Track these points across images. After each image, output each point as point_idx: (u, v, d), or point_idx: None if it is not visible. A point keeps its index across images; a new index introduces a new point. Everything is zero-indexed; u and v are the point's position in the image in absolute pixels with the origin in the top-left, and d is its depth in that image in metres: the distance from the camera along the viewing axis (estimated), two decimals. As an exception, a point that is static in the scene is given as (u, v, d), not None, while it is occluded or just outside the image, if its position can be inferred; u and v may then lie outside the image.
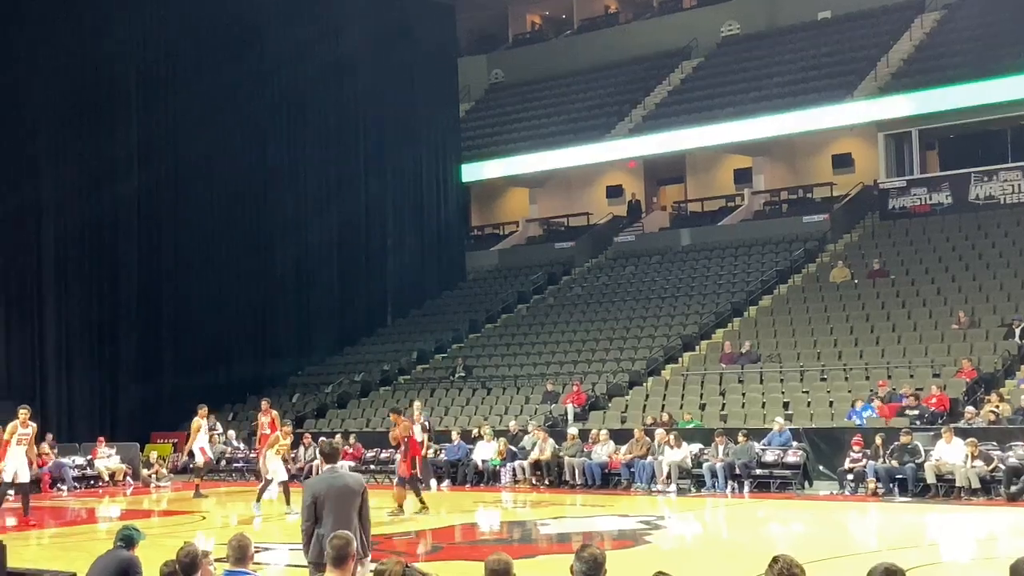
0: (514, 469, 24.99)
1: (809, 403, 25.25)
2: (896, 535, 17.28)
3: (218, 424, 30.70)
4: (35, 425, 20.68)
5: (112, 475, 27.70)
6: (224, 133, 34.53)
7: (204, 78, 33.89)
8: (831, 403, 24.89)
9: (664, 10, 47.26)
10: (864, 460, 21.29)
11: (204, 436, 24.62)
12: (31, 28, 30.89)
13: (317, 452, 25.84)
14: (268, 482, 21.23)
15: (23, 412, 20.24)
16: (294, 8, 36.18)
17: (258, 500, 20.98)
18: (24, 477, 20.26)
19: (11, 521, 20.31)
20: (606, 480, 23.83)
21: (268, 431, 24.93)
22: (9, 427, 20.34)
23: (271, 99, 35.99)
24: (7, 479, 20.17)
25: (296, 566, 12.94)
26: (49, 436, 28.16)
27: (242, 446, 29.08)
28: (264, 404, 25.45)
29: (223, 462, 28.95)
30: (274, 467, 21.27)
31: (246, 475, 27.86)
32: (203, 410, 24.72)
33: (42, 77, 31.07)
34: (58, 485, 26.65)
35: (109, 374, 32.46)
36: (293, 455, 27.25)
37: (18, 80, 30.41)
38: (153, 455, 29.21)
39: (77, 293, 32.00)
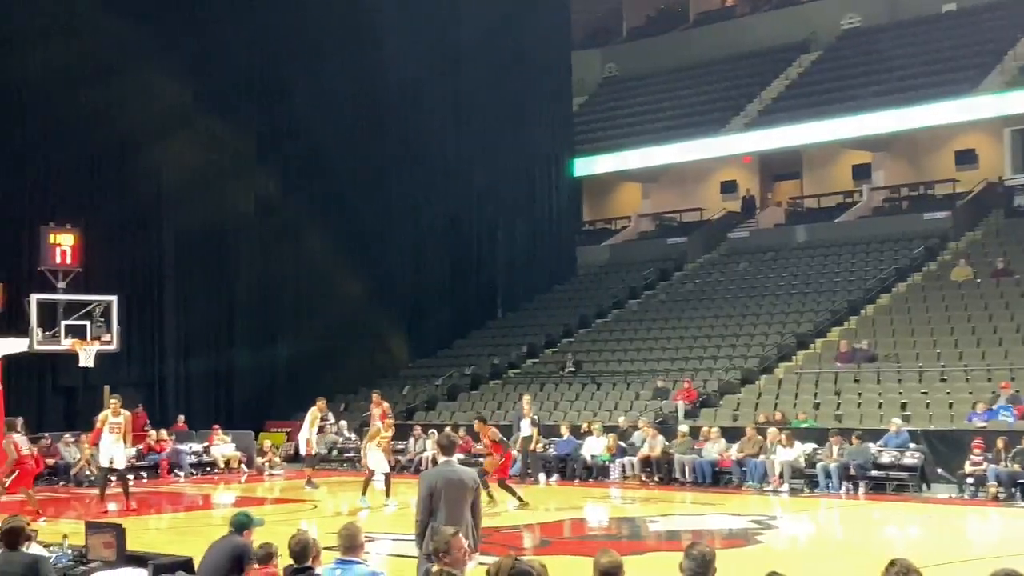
0: (623, 465, 24.85)
1: (928, 404, 24.66)
2: (1017, 541, 16.78)
3: (331, 415, 31.08)
4: (127, 414, 21.19)
5: (227, 462, 28.17)
6: (340, 124, 34.88)
7: (322, 69, 34.28)
8: (951, 404, 24.29)
9: (782, 3, 46.56)
10: (985, 463, 20.73)
11: (313, 428, 24.85)
12: (158, 31, 31.52)
13: (431, 444, 26.03)
14: (372, 474, 21.30)
15: (114, 402, 20.91)
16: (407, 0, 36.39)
17: (363, 493, 21.00)
18: (120, 463, 20.83)
19: (113, 507, 20.75)
20: (717, 478, 23.55)
21: (379, 423, 25.16)
22: (101, 416, 21.08)
23: (386, 90, 36.15)
24: (104, 464, 20.94)
25: (403, 556, 12.99)
26: (175, 422, 28.86)
27: (353, 437, 29.36)
28: (375, 396, 25.73)
29: (335, 452, 29.27)
30: (375, 460, 21.34)
31: (357, 465, 28.10)
32: (321, 402, 24.95)
33: (168, 75, 31.66)
34: (175, 471, 27.21)
35: (225, 363, 33.04)
36: (403, 446, 27.48)
37: (142, 78, 31.00)
38: (267, 443, 29.64)
39: (196, 284, 32.63)
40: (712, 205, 41.98)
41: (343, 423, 30.31)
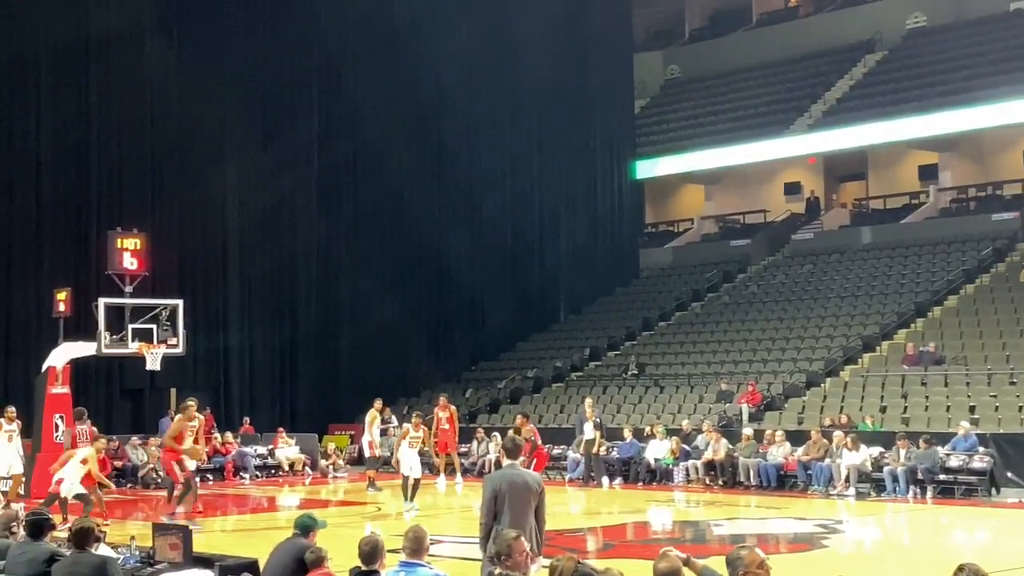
0: (687, 468, 24.71)
1: (997, 407, 24.28)
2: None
3: (394, 418, 31.18)
4: (202, 417, 21.25)
5: (292, 465, 28.37)
6: (400, 122, 35.02)
7: (379, 65, 34.48)
8: (1020, 408, 23.90)
9: (846, 3, 46.10)
10: (1056, 468, 20.37)
11: (376, 430, 24.86)
12: (220, 26, 31.90)
13: (494, 447, 26.02)
14: (406, 479, 20.52)
15: (191, 404, 20.80)
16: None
17: (406, 498, 20.31)
18: (189, 466, 20.74)
19: (181, 509, 20.87)
20: (781, 482, 23.34)
21: (447, 426, 25.05)
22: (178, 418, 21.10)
23: (444, 89, 36.21)
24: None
25: (468, 559, 12.99)
26: (241, 424, 29.13)
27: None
28: (442, 399, 25.63)
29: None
30: (409, 462, 20.60)
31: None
32: (378, 404, 25.03)
33: (232, 68, 32.00)
34: (241, 474, 27.45)
35: (289, 366, 33.30)
36: (466, 449, 27.45)
37: (209, 74, 31.34)
38: (331, 446, 29.80)
39: (258, 287, 32.88)
40: (776, 207, 41.68)
41: (406, 425, 30.33)
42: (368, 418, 24.54)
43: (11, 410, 21.88)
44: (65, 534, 10.00)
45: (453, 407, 24.95)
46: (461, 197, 36.87)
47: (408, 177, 35.32)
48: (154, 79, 30.61)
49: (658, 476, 25.06)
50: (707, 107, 44.87)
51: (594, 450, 24.93)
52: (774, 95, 43.12)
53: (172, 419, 28.99)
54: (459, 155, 36.72)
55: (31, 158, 29.51)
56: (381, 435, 29.61)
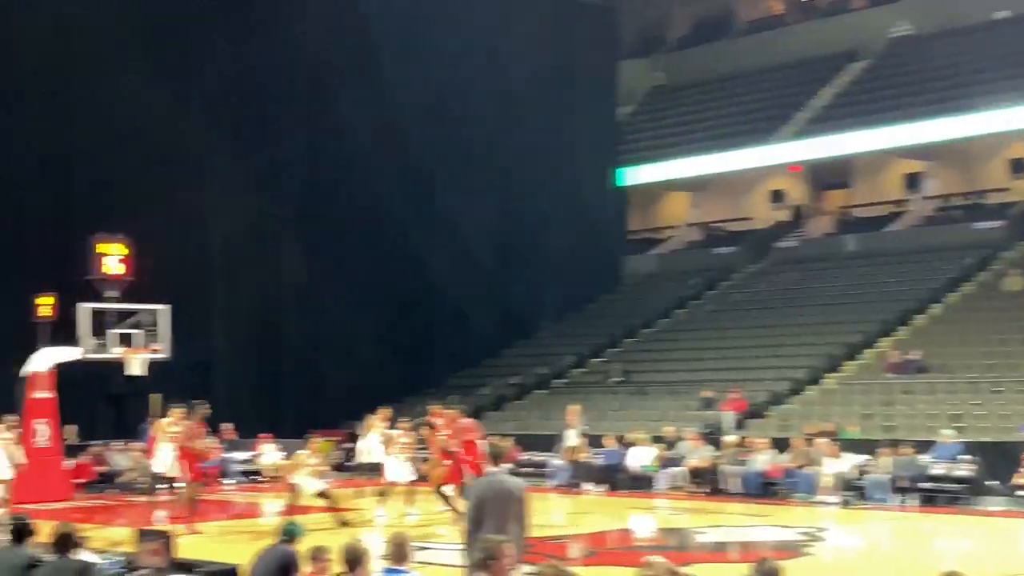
0: (671, 476, 24.68)
1: (979, 415, 24.36)
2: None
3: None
4: (189, 424, 21.06)
5: (276, 470, 28.23)
6: (383, 131, 34.95)
7: (363, 75, 34.43)
8: (1004, 416, 23.97)
9: (831, 11, 46.26)
10: (1038, 476, 20.44)
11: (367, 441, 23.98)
12: (205, 33, 31.86)
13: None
14: (390, 485, 20.07)
15: (177, 411, 20.65)
16: (454, 7, 36.47)
17: (381, 504, 19.88)
18: (174, 471, 20.72)
19: (162, 514, 20.82)
20: (765, 490, 23.36)
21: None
22: (162, 423, 21.05)
23: (429, 97, 36.15)
24: (157, 470, 20.96)
25: (452, 566, 12.96)
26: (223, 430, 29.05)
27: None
28: (450, 412, 23.14)
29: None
30: (393, 469, 20.17)
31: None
32: (383, 412, 23.52)
33: (210, 83, 31.96)
34: (224, 479, 27.34)
35: (273, 372, 33.20)
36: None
37: (187, 88, 31.31)
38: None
39: (242, 291, 32.74)
40: (760, 214, 41.75)
41: (396, 431, 30.20)
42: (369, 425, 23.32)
43: (11, 419, 21.53)
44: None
45: (468, 420, 22.62)
46: (445, 205, 36.79)
47: (392, 185, 35.24)
48: (137, 88, 30.48)
49: (641, 483, 25.02)
50: (692, 114, 44.93)
51: (575, 456, 24.90)
52: (759, 103, 43.19)
53: (151, 424, 28.88)
54: (443, 163, 36.63)
55: (15, 163, 29.39)
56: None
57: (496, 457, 9.88)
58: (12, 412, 23.18)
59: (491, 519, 9.11)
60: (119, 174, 30.53)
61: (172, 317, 25.36)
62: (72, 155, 29.90)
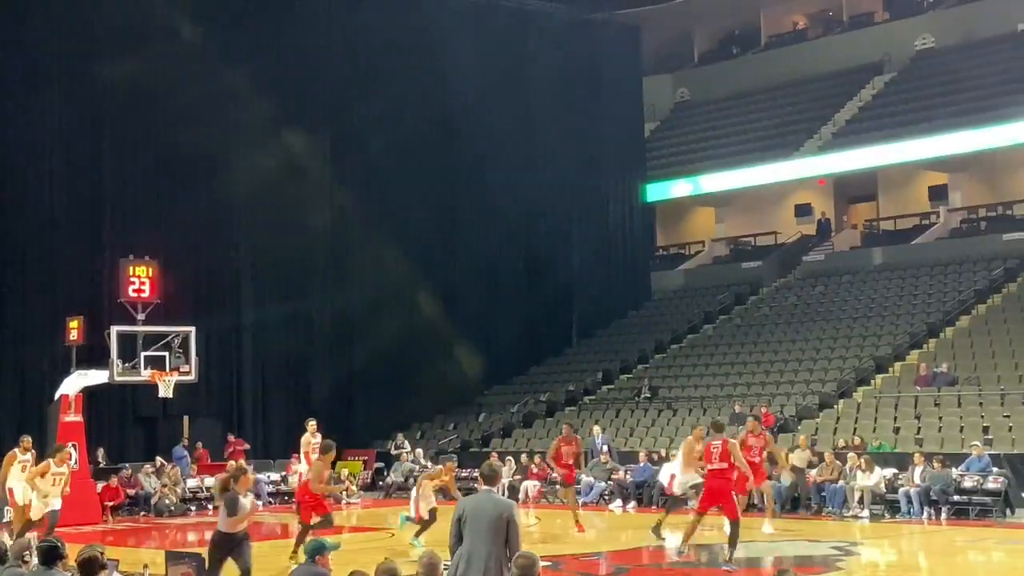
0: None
1: (1011, 428, 24.21)
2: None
3: (406, 443, 31.19)
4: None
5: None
6: (410, 147, 35.07)
7: (392, 86, 34.56)
8: (1035, 428, 23.83)
9: (855, 25, 46.18)
10: (1071, 488, 20.29)
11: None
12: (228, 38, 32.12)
13: (506, 471, 25.92)
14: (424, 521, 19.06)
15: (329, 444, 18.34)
16: (478, 22, 36.60)
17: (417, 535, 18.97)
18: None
19: (193, 536, 20.85)
20: (796, 504, 23.26)
21: (757, 457, 20.76)
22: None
23: (453, 114, 36.33)
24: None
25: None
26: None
27: (430, 465, 29.34)
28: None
29: (411, 480, 29.23)
30: (427, 502, 19.21)
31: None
32: (311, 424, 21.89)
33: (235, 103, 32.19)
34: (254, 500, 27.36)
35: (303, 392, 33.28)
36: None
37: (214, 108, 31.54)
38: (344, 472, 29.77)
39: (272, 312, 32.89)
40: (787, 228, 41.65)
41: (419, 451, 30.34)
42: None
43: (26, 439, 21.77)
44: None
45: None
46: (473, 221, 36.92)
47: (419, 202, 35.37)
48: (167, 109, 30.78)
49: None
50: (717, 129, 44.93)
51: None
52: (784, 117, 43.17)
53: (187, 448, 29.00)
54: (470, 179, 36.77)
55: (44, 189, 29.73)
56: (395, 460, 29.54)
57: (488, 478, 9.86)
58: (40, 436, 23.39)
59: (468, 536, 9.22)
60: (147, 195, 30.84)
61: (202, 339, 25.51)
62: (102, 179, 30.21)
